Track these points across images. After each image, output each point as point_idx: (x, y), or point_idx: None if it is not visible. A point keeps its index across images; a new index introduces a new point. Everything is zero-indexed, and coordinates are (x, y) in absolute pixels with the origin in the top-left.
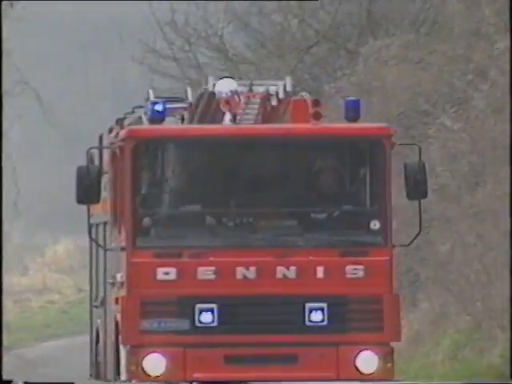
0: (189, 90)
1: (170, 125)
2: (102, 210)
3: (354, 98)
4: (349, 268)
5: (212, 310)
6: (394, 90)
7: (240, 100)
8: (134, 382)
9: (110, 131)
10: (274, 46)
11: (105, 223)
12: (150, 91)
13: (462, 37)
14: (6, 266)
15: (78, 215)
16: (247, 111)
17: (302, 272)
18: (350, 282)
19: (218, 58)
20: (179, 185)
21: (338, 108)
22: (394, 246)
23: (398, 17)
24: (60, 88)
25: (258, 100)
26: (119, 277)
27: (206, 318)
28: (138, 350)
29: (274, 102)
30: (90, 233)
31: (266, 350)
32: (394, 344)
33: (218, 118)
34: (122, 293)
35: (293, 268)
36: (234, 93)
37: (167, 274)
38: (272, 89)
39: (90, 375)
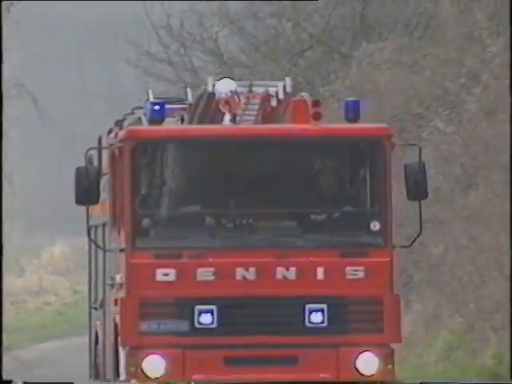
0: (188, 90)
1: (170, 125)
2: (101, 212)
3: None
4: (349, 269)
5: (211, 312)
6: (388, 93)
7: (240, 100)
8: (133, 382)
9: (109, 132)
10: (268, 50)
11: (104, 224)
12: (150, 92)
13: (454, 41)
14: (3, 266)
15: (75, 217)
16: (247, 112)
17: (302, 273)
18: (350, 283)
19: (213, 62)
20: (179, 186)
21: (331, 111)
22: (394, 247)
23: (392, 21)
24: (55, 90)
25: (258, 101)
26: (118, 278)
27: (206, 319)
28: (137, 352)
29: (273, 103)
30: (89, 234)
31: (265, 352)
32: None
33: (217, 118)
34: (121, 294)
35: (293, 269)
36: (234, 93)
37: (166, 275)
38: (272, 89)
39: (90, 377)
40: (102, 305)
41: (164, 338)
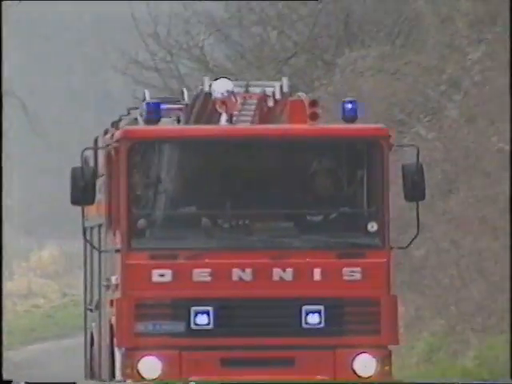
0: (185, 90)
1: (166, 126)
2: (96, 213)
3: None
4: (346, 270)
5: (208, 313)
6: (370, 99)
7: (236, 100)
8: (129, 382)
9: (105, 133)
10: (253, 57)
11: (99, 226)
12: (146, 92)
13: (435, 49)
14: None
15: (64, 221)
16: (244, 112)
17: (299, 274)
18: (347, 284)
19: (199, 69)
20: (175, 186)
21: None
22: (391, 248)
23: (374, 29)
24: (44, 97)
25: (255, 101)
26: (114, 279)
27: (202, 320)
28: (133, 353)
29: (270, 103)
30: (84, 234)
31: (262, 353)
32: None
33: (214, 118)
34: (117, 295)
35: (289, 270)
36: (231, 93)
37: (162, 275)
38: (268, 90)
39: (85, 377)
40: (98, 306)
41: (160, 339)
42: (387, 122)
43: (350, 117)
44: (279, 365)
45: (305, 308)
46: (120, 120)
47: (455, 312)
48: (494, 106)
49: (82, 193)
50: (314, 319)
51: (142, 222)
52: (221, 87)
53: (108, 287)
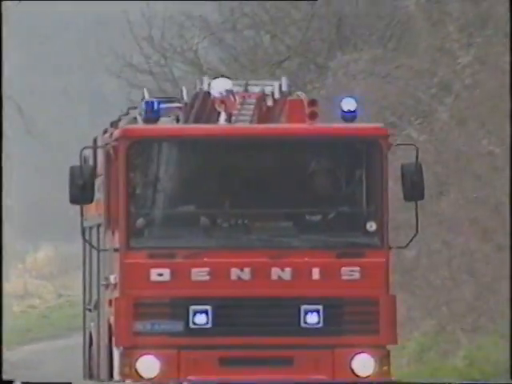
0: (184, 89)
1: (165, 125)
2: (95, 213)
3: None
4: (345, 270)
5: (206, 312)
6: (362, 102)
7: (235, 100)
8: (128, 382)
9: (105, 132)
10: (247, 61)
11: (98, 225)
12: (145, 91)
13: (426, 52)
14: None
15: (59, 223)
16: (243, 111)
17: (298, 273)
18: (346, 283)
19: (193, 72)
20: (173, 185)
21: None
22: (390, 248)
23: (366, 32)
24: (40, 98)
25: (254, 100)
26: (112, 278)
27: (200, 319)
28: (131, 352)
29: (269, 102)
30: (83, 234)
31: (260, 353)
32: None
33: (213, 118)
34: (116, 294)
35: (288, 269)
36: (230, 92)
37: (161, 275)
38: (267, 89)
39: (83, 377)
40: (97, 306)
41: (158, 339)
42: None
43: (349, 116)
44: (278, 364)
45: (303, 307)
46: (119, 119)
47: (446, 312)
48: (485, 108)
49: (80, 192)
50: (312, 319)
51: (140, 221)
52: (220, 86)
53: (107, 287)
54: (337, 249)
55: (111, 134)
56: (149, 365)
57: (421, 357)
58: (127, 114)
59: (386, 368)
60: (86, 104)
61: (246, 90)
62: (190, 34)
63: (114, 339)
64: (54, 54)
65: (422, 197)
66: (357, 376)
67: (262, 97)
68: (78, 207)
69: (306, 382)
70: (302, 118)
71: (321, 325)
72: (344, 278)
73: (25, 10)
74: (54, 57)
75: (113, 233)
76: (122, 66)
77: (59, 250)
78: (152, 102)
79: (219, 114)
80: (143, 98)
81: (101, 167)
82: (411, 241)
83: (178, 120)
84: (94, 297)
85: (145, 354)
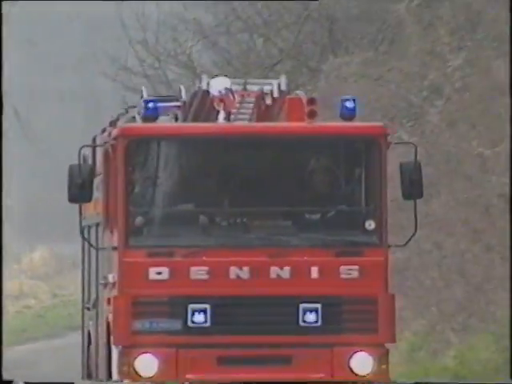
0: (182, 88)
1: (164, 123)
2: (94, 211)
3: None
4: (343, 268)
5: (205, 311)
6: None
7: (234, 98)
8: (126, 382)
9: (103, 131)
10: (240, 64)
11: (97, 224)
12: (144, 90)
13: (417, 55)
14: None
15: (55, 224)
16: (241, 110)
17: (296, 272)
18: (345, 282)
19: (187, 75)
20: (172, 183)
21: None
22: (389, 247)
23: (358, 36)
24: (35, 101)
25: (253, 99)
26: (111, 277)
27: (199, 318)
28: (129, 351)
29: (268, 101)
30: (82, 233)
31: (259, 351)
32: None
33: (211, 116)
34: (114, 293)
35: (287, 268)
36: (229, 91)
37: (159, 273)
38: (266, 88)
39: (82, 377)
40: (95, 305)
41: (157, 337)
42: None
43: (348, 115)
44: (276, 363)
45: (302, 306)
46: (118, 118)
47: (436, 312)
48: (475, 111)
49: (79, 190)
50: (311, 317)
51: (139, 220)
52: (219, 85)
53: (105, 285)
54: (336, 247)
55: (110, 133)
56: (147, 363)
57: (411, 356)
58: (126, 112)
59: (384, 366)
60: (81, 106)
61: (245, 89)
62: (183, 37)
63: (112, 338)
64: (49, 56)
65: (420, 195)
66: (355, 374)
67: (261, 95)
68: (74, 208)
69: (304, 380)
70: (301, 117)
71: (319, 323)
72: (343, 276)
73: (18, 15)
74: (49, 59)
75: (111, 231)
76: (116, 69)
77: (54, 250)
78: (151, 101)
79: (218, 112)
80: (142, 96)
81: (100, 166)
82: (410, 239)
83: (176, 119)
84: (93, 295)
85: (143, 353)
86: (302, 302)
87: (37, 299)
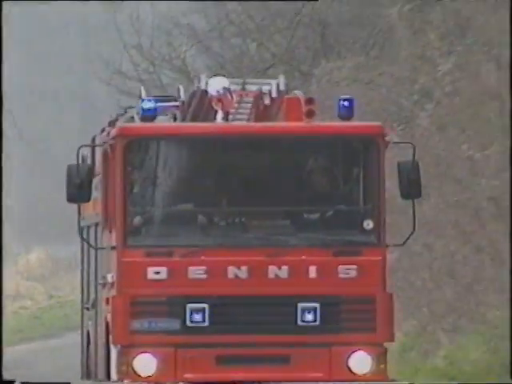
0: (181, 88)
1: (162, 123)
2: (93, 211)
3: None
4: (341, 268)
5: (203, 310)
6: None
7: (232, 98)
8: (126, 382)
9: (103, 132)
10: (233, 68)
11: (96, 224)
12: (142, 89)
13: (408, 60)
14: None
15: (50, 226)
16: (240, 110)
17: (295, 272)
18: (343, 281)
19: (181, 79)
20: (171, 183)
21: None
22: (387, 246)
23: (350, 41)
24: (30, 106)
25: (251, 99)
26: (110, 277)
27: (197, 317)
28: (128, 350)
29: (266, 101)
30: (81, 233)
31: (257, 351)
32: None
33: (210, 116)
34: (113, 293)
35: (285, 267)
36: (227, 90)
37: (158, 273)
38: (265, 87)
39: (81, 377)
40: (94, 305)
41: (155, 337)
42: None
43: (346, 114)
44: (274, 362)
45: (300, 305)
46: (117, 118)
47: (427, 313)
48: (464, 115)
49: (77, 190)
50: (309, 317)
51: (137, 220)
52: (217, 84)
53: (104, 285)
54: (334, 247)
55: (108, 133)
56: (146, 363)
57: (402, 356)
58: (125, 112)
59: (382, 366)
60: (77, 107)
61: (244, 89)
62: (177, 42)
63: (111, 337)
64: (46, 57)
65: (419, 195)
66: (354, 374)
67: (260, 95)
68: (70, 210)
69: (302, 380)
70: (300, 117)
71: (318, 323)
72: (341, 275)
73: (17, 16)
74: (46, 60)
75: (110, 231)
76: (111, 74)
77: (50, 252)
78: (149, 101)
79: (216, 112)
80: (140, 96)
81: (99, 166)
82: (408, 238)
83: (175, 118)
84: (92, 296)
85: (142, 353)
86: (300, 302)
87: (33, 300)
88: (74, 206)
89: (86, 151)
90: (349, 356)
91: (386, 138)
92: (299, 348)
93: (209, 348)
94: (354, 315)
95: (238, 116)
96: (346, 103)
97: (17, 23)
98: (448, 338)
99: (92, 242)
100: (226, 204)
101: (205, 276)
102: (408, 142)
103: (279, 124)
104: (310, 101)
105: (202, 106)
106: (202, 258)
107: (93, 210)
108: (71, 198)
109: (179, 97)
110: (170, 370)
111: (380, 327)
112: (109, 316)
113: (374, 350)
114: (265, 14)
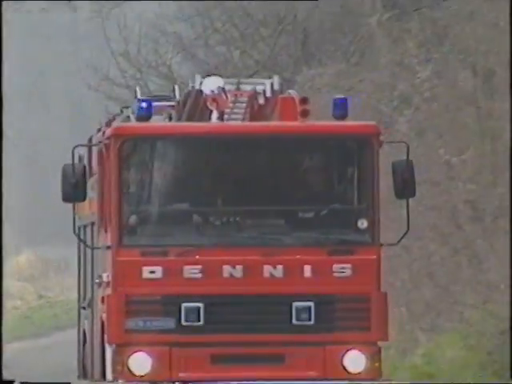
0: (176, 88)
1: (157, 123)
2: (88, 211)
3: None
4: (336, 267)
5: (198, 309)
6: (327, 114)
7: (227, 98)
8: (121, 382)
9: (99, 131)
10: (217, 75)
11: (92, 224)
12: (138, 89)
13: (387, 67)
14: None
15: (40, 227)
16: (235, 110)
17: (289, 271)
18: (338, 280)
19: (167, 86)
20: (166, 183)
21: None
22: (381, 245)
23: (331, 48)
24: (19, 112)
25: (246, 98)
26: (105, 276)
27: (192, 316)
28: (123, 349)
29: (261, 101)
30: (78, 233)
31: (252, 350)
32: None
33: (205, 116)
34: (108, 292)
35: (280, 267)
36: (222, 90)
37: (153, 272)
38: (259, 87)
39: (78, 376)
40: (90, 304)
41: (150, 336)
42: None
43: (341, 114)
44: (269, 361)
45: (295, 305)
46: (113, 118)
47: (405, 313)
48: (442, 120)
49: (72, 190)
50: (304, 316)
51: (133, 219)
52: (212, 84)
53: (100, 284)
54: (328, 246)
55: (103, 133)
56: (141, 362)
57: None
58: (121, 112)
59: (377, 364)
60: (66, 114)
61: (238, 89)
62: (164, 49)
63: (106, 336)
64: (35, 66)
65: (413, 194)
66: (348, 372)
67: (254, 95)
68: (60, 213)
69: (297, 379)
70: (294, 116)
71: (312, 322)
72: (335, 275)
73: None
74: (37, 65)
75: (106, 231)
76: (100, 80)
77: (40, 253)
78: (144, 101)
79: (211, 112)
80: (136, 96)
81: (95, 166)
82: (402, 238)
83: (170, 118)
84: (88, 295)
85: (137, 352)
86: (294, 301)
87: (23, 300)
88: (64, 209)
89: (83, 151)
90: (343, 355)
91: (381, 138)
92: (294, 347)
93: (204, 347)
94: (348, 314)
95: (233, 116)
96: (340, 103)
97: (7, 29)
98: (426, 337)
99: (88, 241)
100: (221, 203)
101: (200, 275)
102: (402, 141)
103: (274, 123)
104: (304, 100)
105: (197, 105)
106: (197, 257)
107: (89, 209)
108: (66, 198)
109: (174, 96)
110: (165, 369)
111: (374, 326)
112: (104, 315)
113: (369, 349)
114: (249, 23)
